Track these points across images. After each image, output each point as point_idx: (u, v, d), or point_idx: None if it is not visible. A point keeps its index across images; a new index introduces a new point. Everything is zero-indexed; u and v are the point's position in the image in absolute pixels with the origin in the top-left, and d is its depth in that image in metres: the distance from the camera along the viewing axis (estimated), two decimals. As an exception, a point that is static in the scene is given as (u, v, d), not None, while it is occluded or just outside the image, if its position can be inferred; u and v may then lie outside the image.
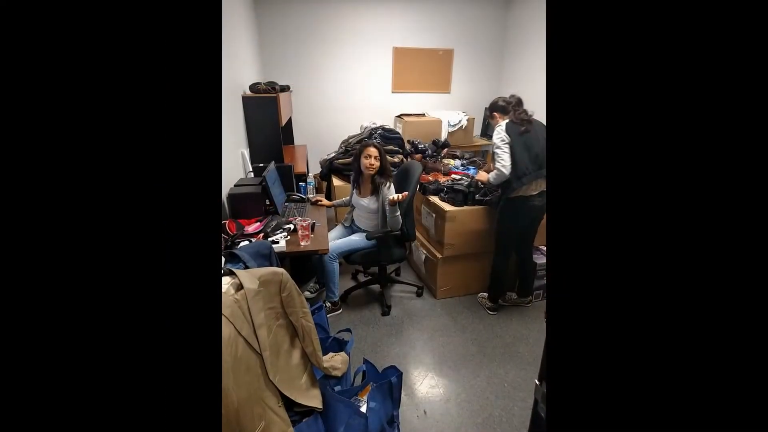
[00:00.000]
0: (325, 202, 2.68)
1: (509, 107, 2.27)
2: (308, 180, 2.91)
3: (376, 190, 2.44)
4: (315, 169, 4.19)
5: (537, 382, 0.98)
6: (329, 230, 2.48)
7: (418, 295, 2.82)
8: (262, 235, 2.02)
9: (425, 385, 2.00)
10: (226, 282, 1.16)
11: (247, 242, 1.79)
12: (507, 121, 2.22)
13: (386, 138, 3.51)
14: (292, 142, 4.36)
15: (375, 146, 2.41)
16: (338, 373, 1.49)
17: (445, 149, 3.80)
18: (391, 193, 2.36)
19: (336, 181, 3.44)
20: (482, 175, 2.50)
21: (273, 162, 2.52)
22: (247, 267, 1.41)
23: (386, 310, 2.59)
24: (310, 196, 2.75)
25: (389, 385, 1.49)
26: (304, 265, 2.89)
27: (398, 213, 2.38)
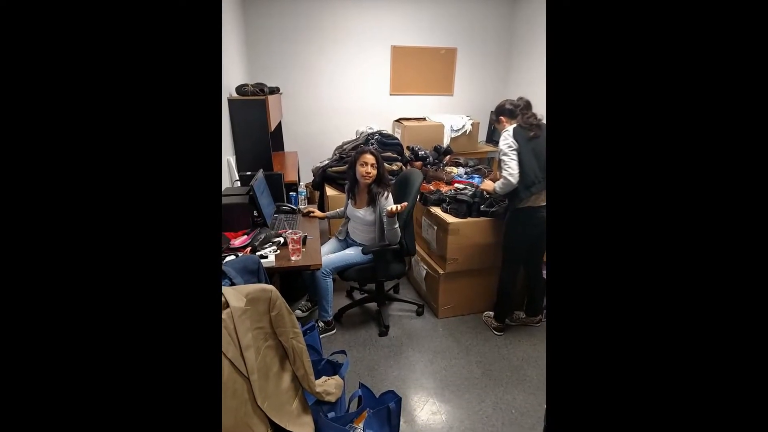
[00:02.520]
0: (318, 213, 2.70)
1: (517, 111, 2.30)
2: (299, 189, 2.93)
3: (372, 201, 2.46)
4: (307, 177, 4.22)
5: (545, 407, 1.00)
6: (322, 244, 2.50)
7: (419, 314, 2.83)
8: (249, 249, 2.04)
9: (426, 411, 2.01)
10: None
11: (233, 257, 1.81)
12: (514, 125, 2.25)
13: (384, 144, 3.55)
14: (282, 149, 4.40)
15: (372, 153, 2.44)
16: (332, 398, 1.51)
17: (448, 156, 3.84)
18: (389, 204, 2.38)
19: (329, 191, 3.47)
20: (488, 184, 2.53)
21: (261, 170, 2.55)
22: (233, 284, 1.43)
23: (384, 330, 2.60)
24: (301, 207, 2.78)
25: (387, 411, 1.51)
26: (295, 282, 2.90)
27: (397, 225, 2.40)
